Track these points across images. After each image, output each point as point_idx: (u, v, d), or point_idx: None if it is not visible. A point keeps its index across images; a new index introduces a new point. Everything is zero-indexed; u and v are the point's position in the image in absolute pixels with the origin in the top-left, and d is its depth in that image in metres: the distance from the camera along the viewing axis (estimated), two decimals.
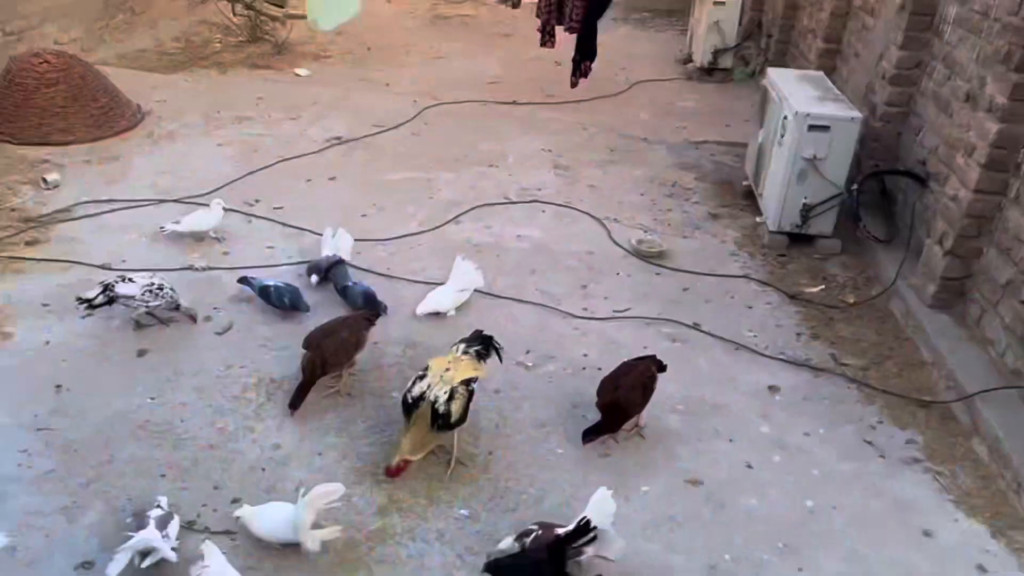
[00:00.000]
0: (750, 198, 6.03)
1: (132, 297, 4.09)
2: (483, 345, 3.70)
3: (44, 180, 5.48)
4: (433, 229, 5.42)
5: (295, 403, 3.70)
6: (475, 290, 4.72)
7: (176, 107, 7.01)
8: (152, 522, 2.92)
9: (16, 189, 5.45)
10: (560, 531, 2.95)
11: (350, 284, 4.47)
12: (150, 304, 4.14)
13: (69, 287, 4.49)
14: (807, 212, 5.36)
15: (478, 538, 3.15)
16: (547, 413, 3.87)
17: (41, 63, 6.11)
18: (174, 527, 2.98)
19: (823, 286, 5.08)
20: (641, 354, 4.17)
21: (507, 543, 2.99)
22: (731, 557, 3.19)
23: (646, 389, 3.63)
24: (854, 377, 4.25)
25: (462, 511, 3.30)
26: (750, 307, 4.82)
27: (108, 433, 3.55)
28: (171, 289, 4.20)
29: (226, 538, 3.09)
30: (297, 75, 8.18)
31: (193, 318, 4.29)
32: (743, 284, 5.05)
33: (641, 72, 9.03)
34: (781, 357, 4.37)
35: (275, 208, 5.47)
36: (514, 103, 7.75)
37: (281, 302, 4.35)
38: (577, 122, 7.39)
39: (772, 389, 4.13)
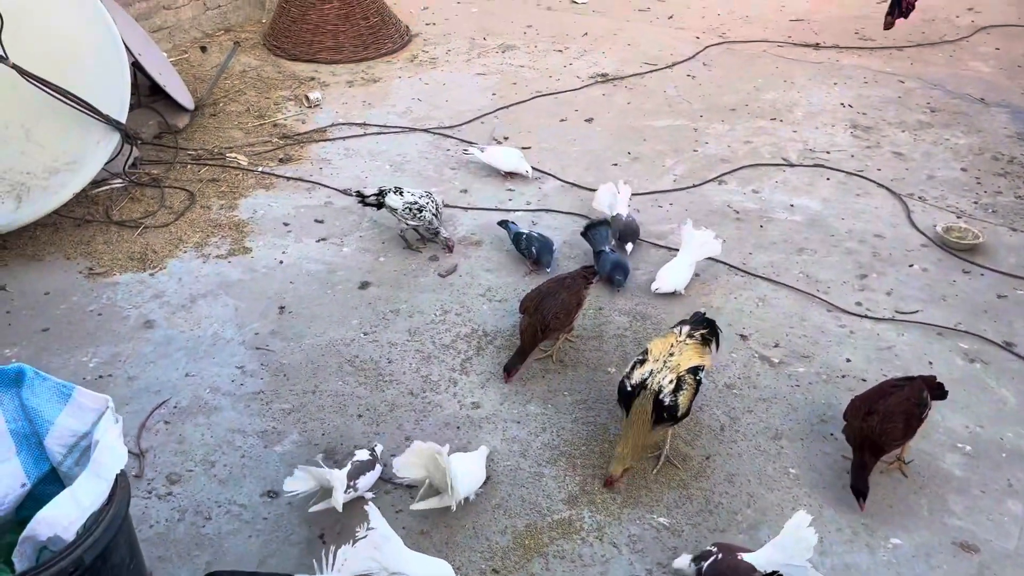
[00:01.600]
0: None
1: (395, 210, 4.43)
2: (709, 329, 3.39)
3: (307, 98, 5.94)
4: (690, 187, 5.10)
5: (511, 368, 3.67)
6: (727, 265, 4.37)
7: (444, 30, 7.24)
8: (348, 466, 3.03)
9: (282, 105, 5.97)
10: (743, 557, 2.68)
11: (605, 249, 4.27)
12: (409, 222, 4.42)
13: (309, 209, 4.84)
14: None
15: (674, 555, 2.91)
16: (786, 423, 3.48)
17: None
18: (370, 478, 3.07)
19: None
20: (923, 372, 3.62)
21: (683, 561, 2.78)
22: None
23: (910, 419, 3.10)
24: None
25: (662, 519, 3.08)
26: None
27: (318, 363, 3.78)
28: (434, 214, 4.41)
29: (407, 494, 3.15)
30: (573, 2, 8.09)
31: (449, 247, 4.47)
32: None
33: (993, 13, 7.77)
34: None
35: (522, 148, 5.45)
36: (817, 46, 7.04)
37: (529, 252, 4.32)
38: (892, 73, 6.54)
39: None
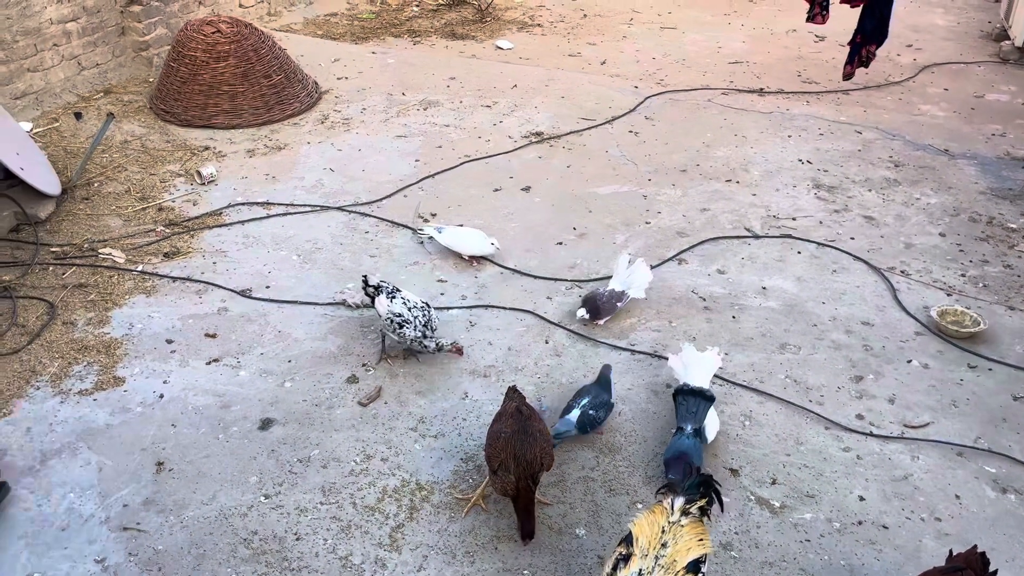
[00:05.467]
0: None
1: (380, 316, 3.66)
2: (707, 495, 2.61)
3: (199, 174, 5.01)
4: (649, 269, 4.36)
5: (529, 532, 2.88)
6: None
7: (358, 85, 6.40)
8: None
9: (169, 182, 5.03)
10: None
11: (686, 428, 3.13)
12: (390, 335, 3.65)
13: (199, 319, 3.93)
14: None
15: None
16: None
17: (213, 32, 5.68)
18: None
19: None
20: (950, 509, 2.95)
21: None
22: None
23: None
24: None
25: None
26: None
27: (203, 546, 2.87)
28: (422, 332, 3.58)
29: None
30: (498, 48, 7.35)
31: (458, 350, 3.70)
32: None
33: (934, 52, 7.34)
34: None
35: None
36: (761, 91, 6.44)
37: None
38: (846, 121, 5.97)
39: None
